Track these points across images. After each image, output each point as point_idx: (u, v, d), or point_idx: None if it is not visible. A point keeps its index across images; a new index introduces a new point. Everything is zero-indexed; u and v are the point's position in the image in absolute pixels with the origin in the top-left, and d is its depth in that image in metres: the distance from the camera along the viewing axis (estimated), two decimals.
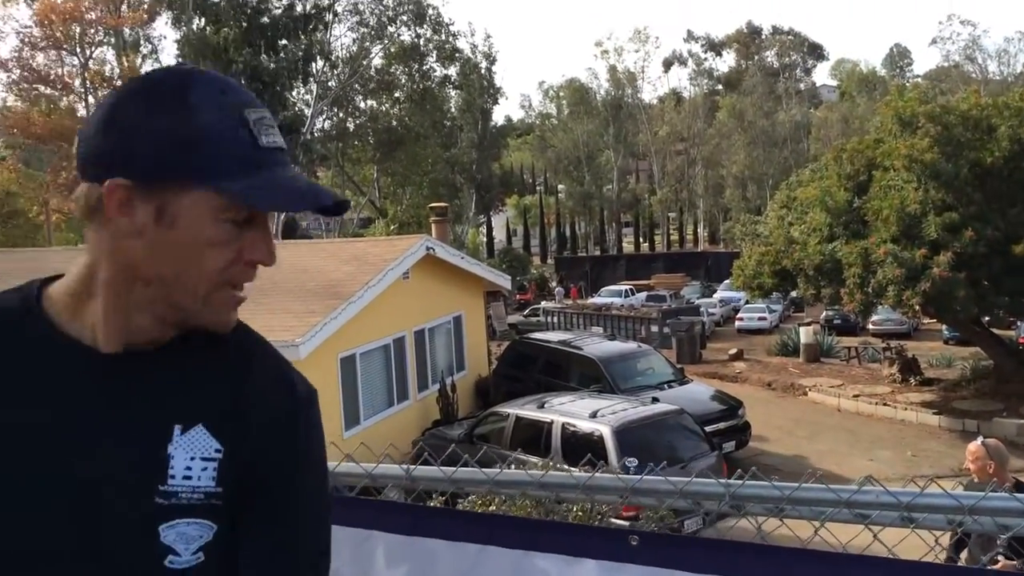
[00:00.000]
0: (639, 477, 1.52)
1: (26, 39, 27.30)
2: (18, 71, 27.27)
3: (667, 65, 72.58)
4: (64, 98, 29.02)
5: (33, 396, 0.95)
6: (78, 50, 28.35)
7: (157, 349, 1.00)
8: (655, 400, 11.82)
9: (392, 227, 39.79)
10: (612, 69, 65.69)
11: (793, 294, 26.98)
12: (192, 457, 0.98)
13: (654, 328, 26.40)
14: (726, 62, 75.18)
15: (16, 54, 27.22)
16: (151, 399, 0.98)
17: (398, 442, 11.64)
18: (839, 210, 15.88)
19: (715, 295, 38.04)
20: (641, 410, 10.88)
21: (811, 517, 1.51)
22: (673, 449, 10.24)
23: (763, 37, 73.25)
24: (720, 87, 72.24)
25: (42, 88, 28.16)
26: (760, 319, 31.19)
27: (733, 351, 24.34)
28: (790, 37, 72.31)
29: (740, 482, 1.50)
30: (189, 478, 0.97)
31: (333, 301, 12.55)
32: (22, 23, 27.54)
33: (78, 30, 27.67)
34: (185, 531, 0.96)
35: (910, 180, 14.95)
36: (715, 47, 73.73)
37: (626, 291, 39.31)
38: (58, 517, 0.93)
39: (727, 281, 34.76)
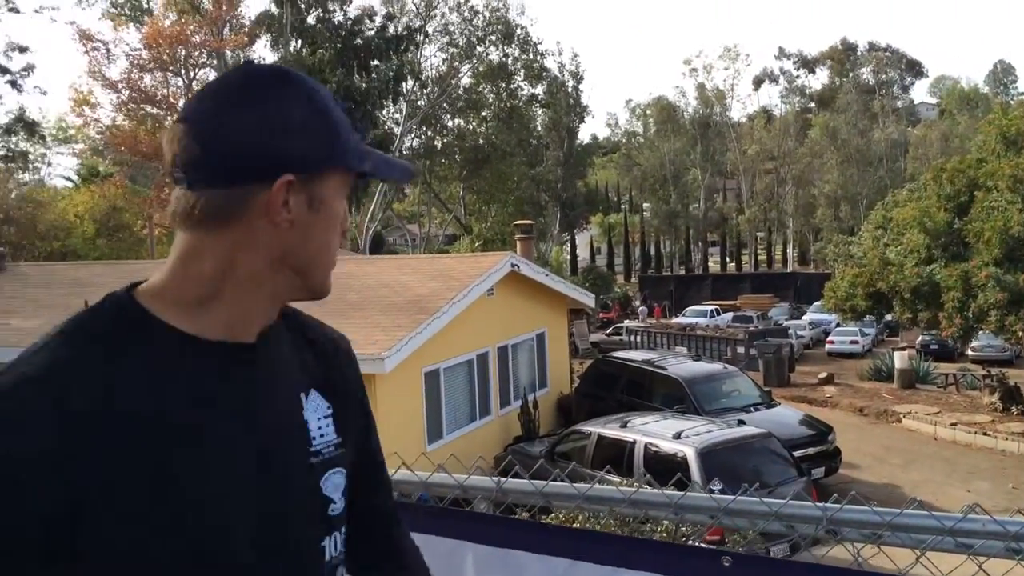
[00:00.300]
0: (732, 497, 1.49)
1: (135, 61, 28.70)
2: (127, 92, 28.65)
3: (757, 83, 71.52)
4: (168, 117, 30.31)
5: (197, 394, 0.99)
6: (183, 71, 29.63)
7: (263, 332, 1.08)
8: (741, 423, 11.58)
9: (477, 244, 40.16)
10: (701, 87, 65.04)
11: (888, 317, 26.10)
12: (319, 417, 1.12)
13: (740, 349, 25.86)
14: (819, 79, 73.68)
15: (125, 76, 28.62)
16: (280, 375, 1.09)
17: (480, 457, 11.70)
18: (938, 231, 15.36)
19: (804, 317, 37.10)
20: (727, 432, 10.68)
21: (912, 545, 1.46)
22: (759, 473, 9.98)
23: (858, 54, 71.41)
24: (812, 105, 70.71)
25: (148, 108, 29.47)
26: (852, 343, 30.24)
27: (823, 375, 23.66)
28: (887, 54, 70.32)
29: (838, 506, 1.46)
30: (323, 436, 1.12)
31: (419, 316, 12.73)
32: (132, 46, 28.79)
33: (183, 53, 28.92)
34: (335, 481, 1.12)
35: (1014, 201, 14.34)
36: (808, 64, 72.28)
37: (712, 311, 38.67)
38: (242, 496, 1.00)
39: (817, 303, 33.84)
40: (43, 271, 19.36)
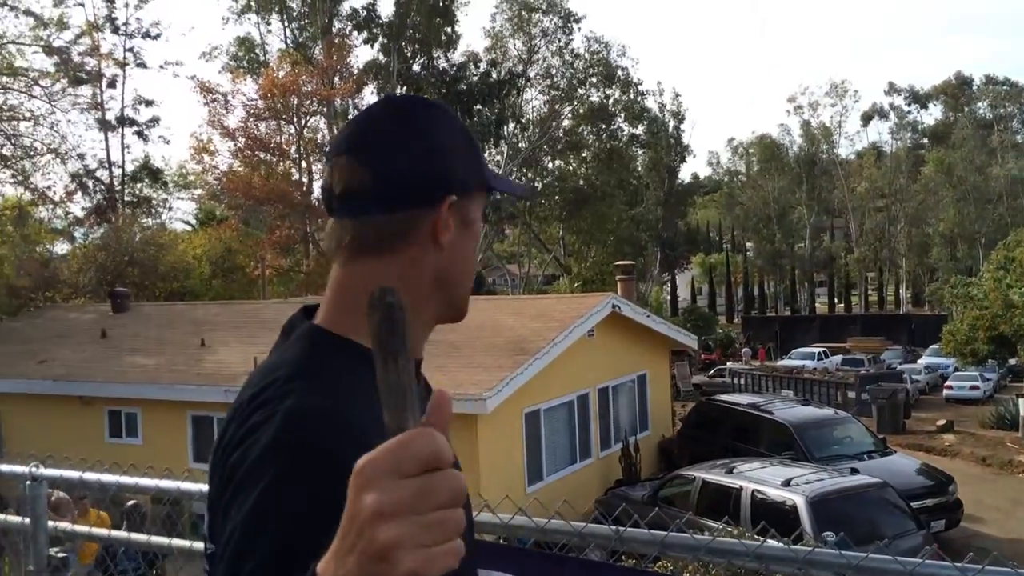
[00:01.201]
0: (864, 555, 1.43)
1: (251, 111, 30.11)
2: (243, 139, 30.05)
3: (866, 119, 69.46)
4: (281, 163, 31.59)
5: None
6: (294, 119, 30.93)
7: None
8: (854, 471, 11.14)
9: (576, 284, 40.14)
10: (806, 124, 63.78)
11: (1012, 362, 24.76)
12: None
13: (851, 394, 24.91)
14: (932, 115, 71.03)
15: (242, 124, 30.05)
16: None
17: (579, 500, 11.59)
18: None
19: (920, 360, 35.47)
20: (839, 481, 10.29)
21: None
22: (874, 525, 9.55)
23: (974, 88, 68.64)
24: (925, 140, 68.25)
25: (262, 154, 30.80)
26: (972, 388, 28.65)
27: (941, 422, 22.53)
28: (1005, 87, 67.36)
29: (978, 567, 1.38)
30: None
31: (520, 356, 12.76)
32: (248, 96, 30.24)
33: (295, 101, 30.21)
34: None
35: None
36: (919, 99, 69.85)
37: (819, 354, 37.45)
38: None
39: (934, 346, 32.40)
40: (163, 311, 20.35)
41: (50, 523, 2.84)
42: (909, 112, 69.62)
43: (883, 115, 69.44)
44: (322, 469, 0.84)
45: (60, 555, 2.81)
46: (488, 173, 1.08)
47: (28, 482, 2.77)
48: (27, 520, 2.80)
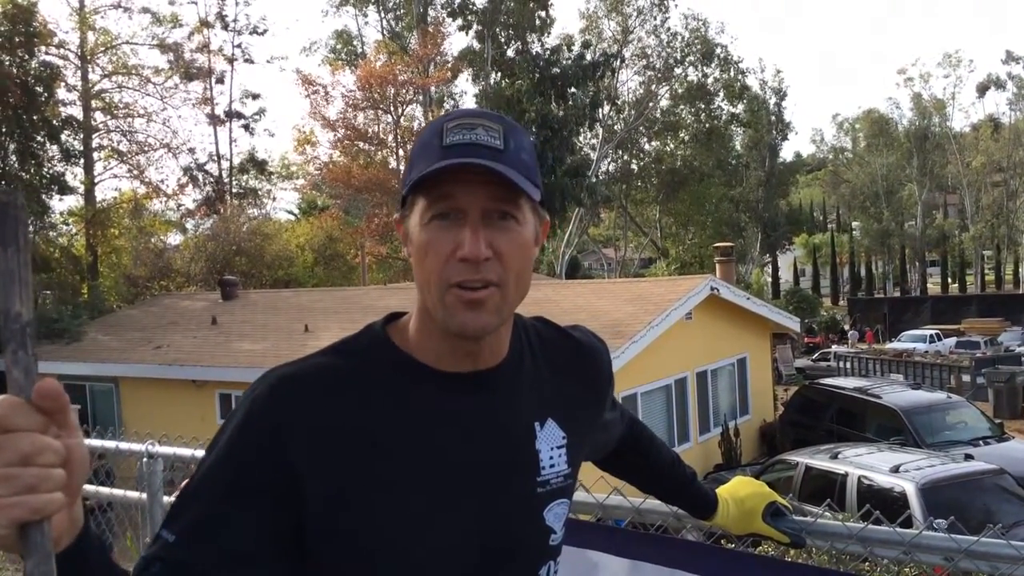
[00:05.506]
0: (975, 539, 1.36)
1: (350, 101, 30.75)
2: (342, 130, 30.72)
3: (982, 90, 65.85)
4: (378, 152, 32.18)
5: (420, 419, 1.04)
6: (391, 109, 31.43)
7: (496, 367, 1.10)
8: (968, 457, 10.65)
9: (673, 267, 39.61)
10: (917, 97, 60.92)
11: None
12: (551, 447, 1.12)
13: (966, 377, 23.84)
14: None
15: (341, 115, 30.72)
16: (516, 403, 1.10)
17: None
18: None
19: None
20: (951, 467, 9.84)
21: None
22: (989, 514, 9.09)
23: None
24: None
25: (361, 144, 31.43)
26: None
27: None
28: None
29: None
30: (554, 466, 1.12)
31: (616, 340, 12.67)
32: (347, 88, 30.86)
33: (392, 91, 30.69)
34: (558, 511, 1.12)
35: None
36: None
37: (932, 336, 35.93)
38: (466, 519, 1.04)
39: None
40: (270, 297, 21.04)
41: (165, 498, 2.98)
42: None
43: (1000, 85, 65.69)
44: (235, 412, 1.02)
45: None
46: (415, 173, 1.00)
47: (145, 459, 2.91)
48: (144, 495, 2.94)
